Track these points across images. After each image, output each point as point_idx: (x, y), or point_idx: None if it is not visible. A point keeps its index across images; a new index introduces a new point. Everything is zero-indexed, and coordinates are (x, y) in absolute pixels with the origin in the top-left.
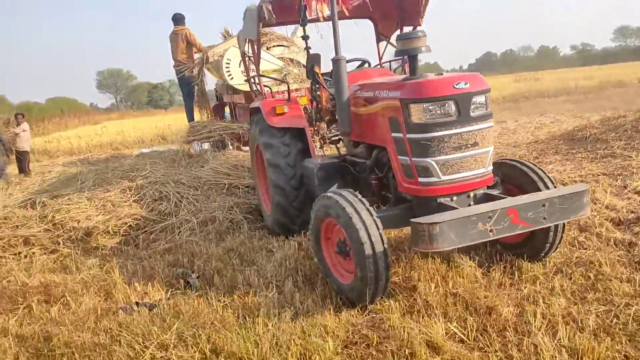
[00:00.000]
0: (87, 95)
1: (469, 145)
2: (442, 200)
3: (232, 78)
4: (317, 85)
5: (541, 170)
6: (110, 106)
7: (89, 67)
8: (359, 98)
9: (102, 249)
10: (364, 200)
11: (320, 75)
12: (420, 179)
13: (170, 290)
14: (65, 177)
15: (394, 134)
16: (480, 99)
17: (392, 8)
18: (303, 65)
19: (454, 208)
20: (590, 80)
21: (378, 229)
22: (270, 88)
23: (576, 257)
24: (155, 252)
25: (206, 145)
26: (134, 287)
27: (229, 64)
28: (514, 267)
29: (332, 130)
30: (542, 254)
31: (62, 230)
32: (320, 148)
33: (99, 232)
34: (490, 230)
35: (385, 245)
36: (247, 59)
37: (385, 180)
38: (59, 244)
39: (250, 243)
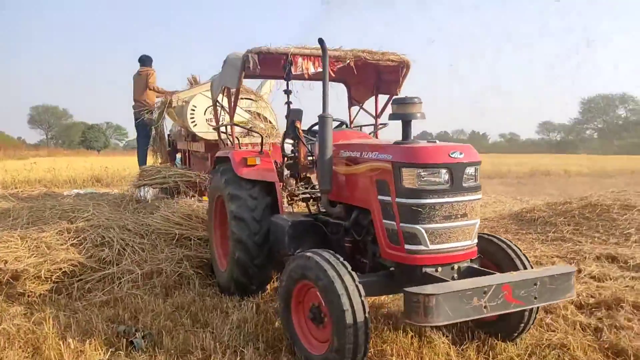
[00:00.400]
0: (16, 129)
1: (459, 216)
2: (427, 270)
3: (196, 125)
4: (296, 141)
5: (517, 247)
6: (39, 142)
7: (22, 100)
8: (342, 157)
9: (29, 296)
10: (345, 263)
11: (300, 130)
12: (407, 246)
13: (111, 350)
14: None
15: (380, 197)
16: (471, 170)
17: (371, 75)
18: (269, 120)
19: (441, 279)
20: (520, 166)
21: (360, 295)
22: (238, 139)
23: (546, 339)
24: (91, 304)
25: (150, 192)
26: (68, 344)
27: (194, 110)
28: (487, 346)
29: (301, 188)
30: (516, 334)
31: None
32: (288, 205)
33: (29, 276)
34: (485, 307)
35: (367, 315)
36: (218, 107)
37: (361, 244)
38: None
39: (202, 301)
